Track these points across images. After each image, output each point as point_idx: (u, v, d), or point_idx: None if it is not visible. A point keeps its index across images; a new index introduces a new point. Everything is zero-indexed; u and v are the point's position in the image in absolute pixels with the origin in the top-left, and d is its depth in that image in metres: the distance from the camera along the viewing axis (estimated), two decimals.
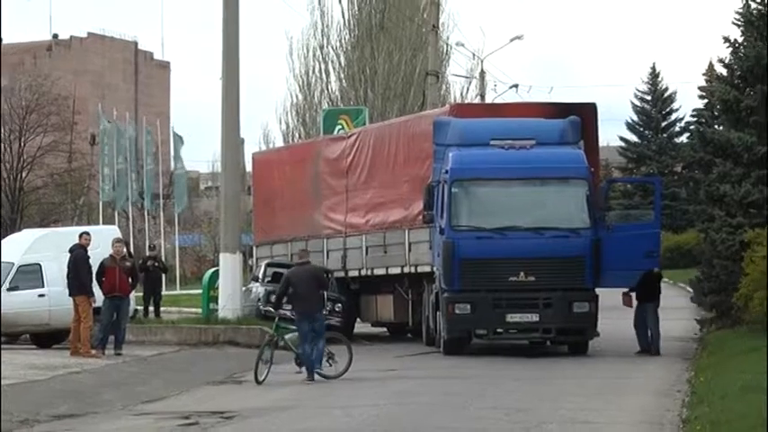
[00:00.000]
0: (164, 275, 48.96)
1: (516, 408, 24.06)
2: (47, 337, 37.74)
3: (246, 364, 32.90)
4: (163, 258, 51.66)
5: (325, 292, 33.31)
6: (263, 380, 29.37)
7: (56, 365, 30.92)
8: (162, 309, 46.10)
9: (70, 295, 33.78)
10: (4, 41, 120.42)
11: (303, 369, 29.84)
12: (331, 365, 29.77)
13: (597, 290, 34.89)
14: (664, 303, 38.94)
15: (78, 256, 33.81)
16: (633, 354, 34.41)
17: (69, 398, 26.16)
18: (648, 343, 34.89)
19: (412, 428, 22.24)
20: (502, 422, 22.35)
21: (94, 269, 33.98)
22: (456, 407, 24.87)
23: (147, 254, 49.83)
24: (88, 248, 34.21)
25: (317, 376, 29.44)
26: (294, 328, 30.37)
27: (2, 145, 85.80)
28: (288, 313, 38.05)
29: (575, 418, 22.13)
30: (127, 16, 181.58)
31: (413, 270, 38.48)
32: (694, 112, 77.51)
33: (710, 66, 65.06)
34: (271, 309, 40.03)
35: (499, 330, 35.08)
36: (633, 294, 35.65)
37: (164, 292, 48.03)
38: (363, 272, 41.50)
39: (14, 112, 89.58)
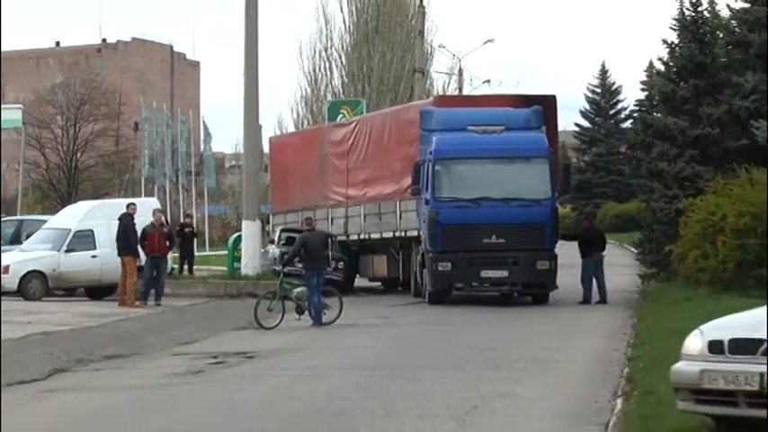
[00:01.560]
0: (195, 239, 48.51)
1: (489, 347, 24.04)
2: (98, 291, 37.49)
3: (264, 313, 32.75)
4: (194, 225, 51.25)
5: (330, 252, 33.55)
6: (276, 326, 29.35)
7: (106, 314, 30.98)
8: (194, 267, 45.86)
9: (119, 255, 33.80)
10: (62, 44, 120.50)
11: (302, 317, 29.92)
12: (325, 314, 29.80)
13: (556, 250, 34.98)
14: (612, 261, 38.94)
15: (127, 222, 33.92)
16: (580, 303, 34.29)
17: (117, 341, 26.21)
18: (590, 295, 34.72)
19: (401, 364, 22.09)
20: (477, 359, 22.28)
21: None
22: (438, 347, 24.96)
23: (183, 221, 49.80)
24: (134, 215, 34.23)
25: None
26: (297, 283, 30.36)
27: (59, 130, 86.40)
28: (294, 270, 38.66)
29: (538, 356, 22.07)
30: (164, 22, 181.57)
31: (403, 234, 38.25)
32: (637, 102, 78.39)
33: (651, 63, 65.50)
34: (283, 267, 40.29)
35: (474, 284, 35.00)
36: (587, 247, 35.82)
37: (195, 253, 47.68)
38: (362, 236, 41.31)
39: (71, 104, 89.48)
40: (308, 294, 29.93)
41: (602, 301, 34.34)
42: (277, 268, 40.50)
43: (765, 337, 11.76)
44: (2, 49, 63.62)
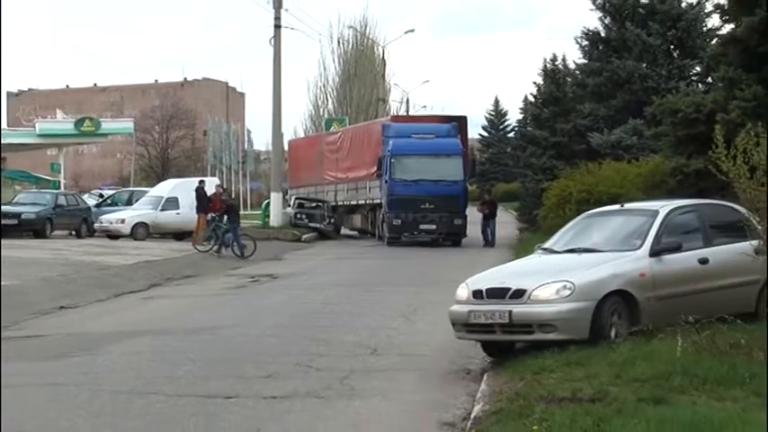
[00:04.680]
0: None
1: (425, 273, 24.19)
2: (180, 235, 37.29)
3: (284, 250, 32.95)
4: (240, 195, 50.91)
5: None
6: (207, 251, 29.24)
7: (184, 250, 30.75)
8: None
9: (196, 213, 33.22)
10: (159, 80, 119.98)
11: (225, 251, 29.35)
12: (246, 248, 29.35)
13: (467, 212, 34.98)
14: (501, 220, 38.96)
15: (200, 192, 33.54)
16: (481, 246, 34.25)
17: (191, 267, 26.19)
18: (489, 241, 34.74)
19: (369, 282, 22.12)
20: (417, 278, 22.54)
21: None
22: (393, 272, 24.90)
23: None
24: (205, 188, 33.89)
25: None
26: (225, 229, 29.59)
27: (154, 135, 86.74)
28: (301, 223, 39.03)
29: (455, 278, 21.31)
30: (223, 66, 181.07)
31: (371, 202, 38.10)
32: (517, 121, 77.76)
33: (526, 97, 65.18)
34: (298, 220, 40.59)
35: (415, 233, 34.73)
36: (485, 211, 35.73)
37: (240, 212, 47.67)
38: (345, 202, 41.11)
39: (164, 119, 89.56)
40: (234, 237, 29.53)
41: (493, 245, 34.28)
42: (292, 220, 41.04)
43: (511, 286, 11.12)
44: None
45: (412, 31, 70.26)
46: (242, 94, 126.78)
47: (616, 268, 11.26)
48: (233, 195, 42.83)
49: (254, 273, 24.82)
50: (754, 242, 11.69)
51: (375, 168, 36.09)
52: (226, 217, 30.12)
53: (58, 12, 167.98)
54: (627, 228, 12.34)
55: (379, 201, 36.47)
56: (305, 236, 38.37)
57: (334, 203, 41.53)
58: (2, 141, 50.19)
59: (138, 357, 12.56)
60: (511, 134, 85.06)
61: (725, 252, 12.08)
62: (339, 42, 70.83)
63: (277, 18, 43.55)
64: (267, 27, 43.82)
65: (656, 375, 9.23)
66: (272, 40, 43.50)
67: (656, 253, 11.59)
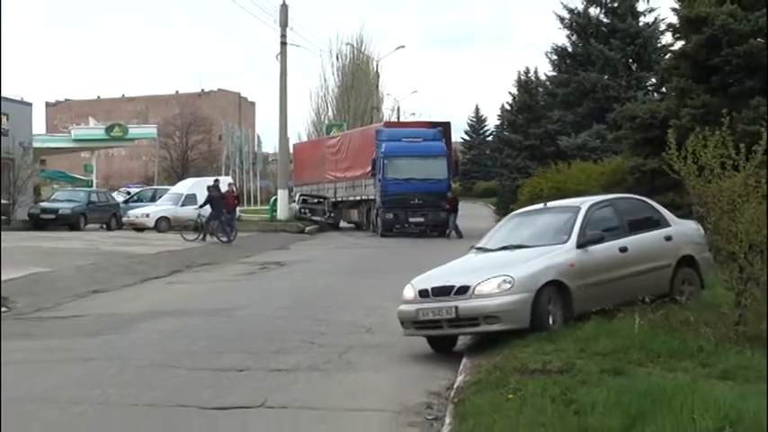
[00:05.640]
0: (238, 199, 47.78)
1: (414, 260, 23.46)
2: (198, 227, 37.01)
3: (289, 241, 32.88)
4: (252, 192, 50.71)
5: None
6: (194, 240, 29.21)
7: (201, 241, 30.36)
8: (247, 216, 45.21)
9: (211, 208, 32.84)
10: (180, 91, 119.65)
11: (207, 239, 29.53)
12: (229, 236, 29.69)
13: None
14: (481, 213, 38.82)
15: (212, 191, 32.88)
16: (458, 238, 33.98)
17: (208, 255, 26.08)
18: (459, 233, 33.16)
19: (365, 269, 22.17)
20: (407, 264, 21.59)
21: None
22: (386, 260, 24.89)
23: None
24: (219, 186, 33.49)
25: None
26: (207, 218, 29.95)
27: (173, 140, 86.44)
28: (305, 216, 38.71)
29: (440, 263, 21.85)
30: (236, 76, 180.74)
31: (366, 198, 37.92)
32: (495, 126, 77.70)
33: (503, 105, 65.04)
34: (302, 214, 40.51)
35: (405, 226, 34.68)
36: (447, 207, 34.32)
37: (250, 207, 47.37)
38: (343, 198, 40.85)
39: (183, 125, 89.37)
40: (221, 225, 29.74)
41: (460, 235, 32.49)
42: (297, 215, 40.97)
43: (455, 284, 10.62)
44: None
45: (402, 47, 71.70)
46: (252, 103, 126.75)
47: (549, 261, 10.89)
48: (235, 192, 42.88)
49: (264, 261, 24.73)
50: (664, 230, 12.03)
51: (370, 168, 35.98)
52: (209, 207, 29.86)
53: (90, 31, 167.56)
54: (553, 224, 11.93)
55: (373, 197, 36.32)
56: (308, 228, 38.31)
57: (333, 199, 41.36)
58: (42, 146, 50.28)
59: (161, 335, 12.58)
60: (489, 138, 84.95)
61: (641, 240, 11.89)
62: (338, 57, 70.64)
63: (283, 36, 43.55)
64: (274, 44, 43.97)
65: (616, 350, 9.24)
66: (279, 56, 43.52)
67: (582, 245, 11.25)
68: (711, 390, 7.35)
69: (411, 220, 34.32)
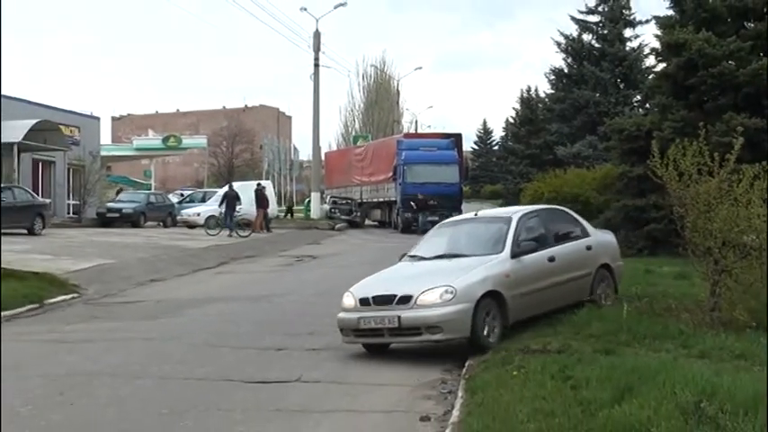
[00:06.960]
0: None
1: None
2: (245, 224, 36.94)
3: (321, 237, 32.77)
4: (289, 195, 50.58)
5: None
6: (216, 235, 29.26)
7: (244, 235, 30.31)
8: (287, 215, 45.48)
9: (256, 209, 32.95)
10: (226, 107, 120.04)
11: (229, 233, 29.56)
12: (246, 231, 29.81)
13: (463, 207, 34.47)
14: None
15: (259, 193, 33.37)
16: None
17: (251, 248, 25.91)
18: None
19: (389, 259, 21.46)
20: None
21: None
22: (406, 250, 24.55)
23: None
24: (264, 190, 33.60)
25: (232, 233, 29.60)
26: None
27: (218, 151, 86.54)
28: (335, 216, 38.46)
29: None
30: (276, 93, 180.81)
31: (388, 199, 37.84)
32: (500, 137, 77.55)
33: (507, 119, 65.01)
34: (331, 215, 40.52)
35: (423, 224, 34.39)
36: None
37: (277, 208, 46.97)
38: (369, 200, 40.78)
39: (230, 135, 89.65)
40: (236, 223, 29.93)
41: None
42: (328, 214, 40.98)
43: (396, 293, 9.49)
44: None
45: (420, 68, 72.17)
46: (290, 117, 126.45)
47: (487, 271, 9.79)
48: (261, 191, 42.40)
49: (299, 254, 24.61)
50: (585, 240, 11.35)
51: (391, 174, 36.01)
52: (225, 205, 29.99)
53: (150, 55, 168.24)
54: (486, 234, 10.84)
55: (394, 199, 36.28)
56: (337, 225, 38.32)
57: (359, 201, 41.31)
58: (108, 154, 50.56)
59: (210, 318, 12.61)
60: (496, 147, 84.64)
61: (566, 250, 11.00)
62: (363, 77, 70.86)
63: (316, 59, 43.59)
64: (308, 65, 44.06)
65: (606, 333, 9.22)
66: (312, 76, 43.56)
67: (516, 255, 10.22)
68: (690, 367, 7.33)
69: (429, 219, 33.98)
